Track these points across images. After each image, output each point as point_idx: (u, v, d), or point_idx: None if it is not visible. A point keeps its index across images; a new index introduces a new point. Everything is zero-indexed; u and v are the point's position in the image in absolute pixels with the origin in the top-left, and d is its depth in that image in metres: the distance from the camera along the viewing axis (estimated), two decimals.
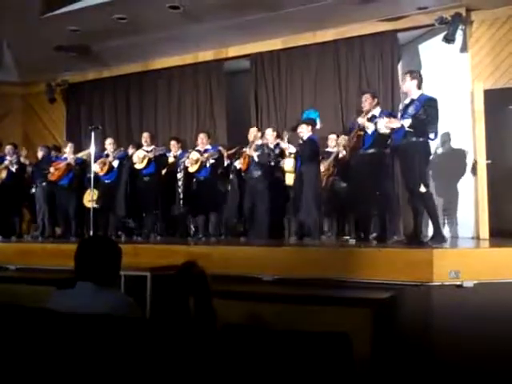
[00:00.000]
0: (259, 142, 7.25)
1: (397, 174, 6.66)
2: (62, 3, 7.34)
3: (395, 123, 5.28)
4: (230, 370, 1.85)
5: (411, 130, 5.13)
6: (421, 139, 5.18)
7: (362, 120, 5.99)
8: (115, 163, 7.80)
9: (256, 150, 7.10)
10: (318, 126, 7.02)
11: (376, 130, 5.76)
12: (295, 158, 6.77)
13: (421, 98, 5.27)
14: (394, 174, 6.68)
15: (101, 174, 7.73)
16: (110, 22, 7.65)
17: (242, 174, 7.43)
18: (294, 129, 6.96)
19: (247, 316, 3.74)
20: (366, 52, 7.91)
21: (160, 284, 4.16)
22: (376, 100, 6.07)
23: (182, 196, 7.64)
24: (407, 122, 5.15)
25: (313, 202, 6.42)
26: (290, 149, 6.78)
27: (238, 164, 7.44)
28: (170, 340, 1.97)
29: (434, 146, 6.63)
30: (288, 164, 6.84)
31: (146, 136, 7.79)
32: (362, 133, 5.99)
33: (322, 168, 6.88)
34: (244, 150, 7.39)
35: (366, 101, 6.03)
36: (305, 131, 6.60)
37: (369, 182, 5.89)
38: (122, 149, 8.17)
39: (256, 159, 7.07)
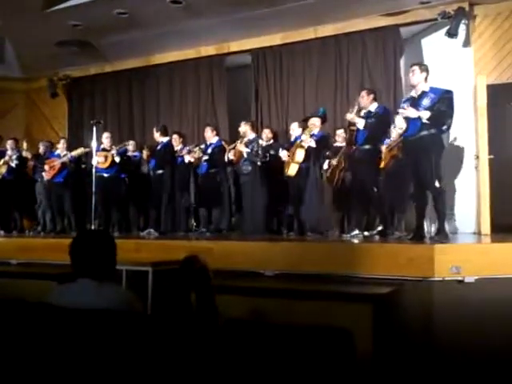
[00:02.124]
0: (251, 136, 7.23)
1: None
2: None
3: (412, 113, 5.04)
4: (232, 364, 1.85)
5: (428, 122, 4.95)
6: (435, 131, 5.00)
7: (350, 116, 6.00)
8: (117, 159, 7.81)
9: (247, 146, 7.09)
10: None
11: (367, 126, 5.80)
12: (306, 151, 6.56)
13: (435, 91, 5.11)
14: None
15: (102, 167, 7.74)
16: (111, 17, 7.64)
17: (235, 167, 7.47)
18: (305, 120, 6.93)
19: (249, 311, 3.74)
20: (368, 47, 7.88)
21: (161, 279, 4.17)
22: (372, 96, 6.05)
23: (191, 190, 7.73)
24: (426, 114, 4.94)
25: (316, 199, 6.44)
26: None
27: (231, 156, 7.41)
28: (171, 335, 1.97)
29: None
30: (299, 156, 6.53)
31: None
32: (354, 128, 6.00)
33: (335, 162, 6.88)
34: (236, 143, 7.36)
35: (363, 97, 6.04)
36: (317, 125, 6.62)
37: (365, 178, 5.90)
38: (125, 143, 8.17)
39: (245, 156, 7.07)
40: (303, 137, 6.57)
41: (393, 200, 6.40)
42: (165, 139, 7.72)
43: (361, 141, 5.94)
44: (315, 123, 6.68)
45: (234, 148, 7.40)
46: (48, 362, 2.11)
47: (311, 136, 6.57)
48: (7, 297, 2.53)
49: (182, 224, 8.05)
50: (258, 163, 7.03)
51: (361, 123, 5.88)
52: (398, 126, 6.25)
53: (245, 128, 7.28)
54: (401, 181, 6.21)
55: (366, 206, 6.18)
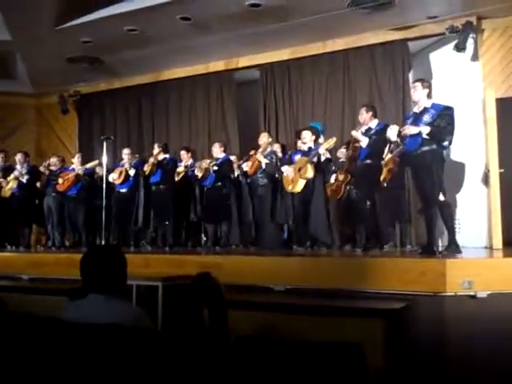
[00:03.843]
0: (270, 148, 7.22)
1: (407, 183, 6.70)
2: (74, 15, 7.43)
3: (413, 129, 5.11)
4: (243, 382, 1.84)
5: (428, 137, 5.01)
6: (435, 147, 5.06)
7: (355, 133, 6.04)
8: (131, 172, 7.85)
9: (265, 157, 7.08)
10: (321, 140, 7.00)
11: (370, 144, 5.87)
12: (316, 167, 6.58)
13: (436, 107, 5.16)
14: (404, 183, 6.68)
15: (117, 182, 7.78)
16: (121, 34, 7.73)
17: (248, 179, 7.42)
18: (298, 133, 6.96)
19: (259, 326, 3.72)
20: (377, 61, 7.91)
21: (171, 294, 4.16)
22: (371, 113, 6.13)
23: (196, 205, 7.71)
24: (426, 129, 5.00)
25: (322, 214, 6.45)
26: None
27: (246, 167, 7.35)
28: (182, 351, 1.96)
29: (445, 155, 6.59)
30: (311, 172, 6.52)
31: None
32: (358, 145, 6.04)
33: (341, 177, 6.87)
34: (253, 153, 7.33)
35: (362, 114, 6.13)
36: (308, 139, 6.63)
37: (362, 191, 5.97)
38: (137, 156, 8.21)
39: (264, 166, 7.05)
40: (321, 150, 6.50)
41: (394, 212, 6.43)
42: (167, 156, 7.81)
43: (362, 156, 6.02)
44: (306, 136, 6.68)
45: (248, 159, 7.37)
46: (58, 377, 2.10)
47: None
48: (18, 312, 2.54)
49: (191, 238, 8.07)
50: (276, 175, 7.01)
51: (364, 141, 5.94)
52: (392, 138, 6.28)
53: (268, 140, 7.29)
54: (399, 193, 6.33)
55: (368, 220, 6.19)
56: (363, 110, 6.19)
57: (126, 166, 7.83)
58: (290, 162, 6.78)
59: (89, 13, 7.36)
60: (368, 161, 5.99)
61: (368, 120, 6.12)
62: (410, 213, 6.94)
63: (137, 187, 8.01)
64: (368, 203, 5.96)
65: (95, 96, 10.28)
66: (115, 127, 10.03)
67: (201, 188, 7.77)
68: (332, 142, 6.52)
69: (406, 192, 6.80)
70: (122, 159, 8.09)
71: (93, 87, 10.15)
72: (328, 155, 6.57)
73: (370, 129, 6.06)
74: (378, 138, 5.96)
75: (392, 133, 5.50)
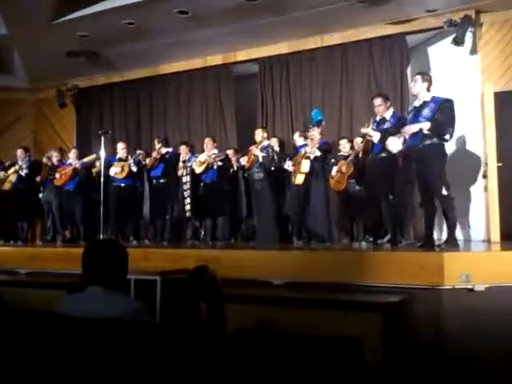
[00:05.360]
0: (266, 142, 7.24)
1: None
2: (71, 9, 7.40)
3: (413, 128, 5.12)
4: (241, 375, 1.84)
5: (430, 133, 5.01)
6: (437, 141, 5.05)
7: (365, 130, 5.98)
8: (134, 168, 7.87)
9: (262, 151, 7.09)
10: (319, 130, 7.02)
11: (380, 139, 5.75)
12: (311, 161, 6.64)
13: (436, 100, 5.16)
14: (409, 178, 6.65)
15: (119, 177, 7.77)
16: (119, 28, 7.70)
17: (246, 173, 7.44)
18: (305, 131, 6.97)
19: (257, 320, 3.73)
20: (375, 55, 7.88)
21: (170, 288, 4.17)
22: (389, 102, 6.02)
23: (188, 200, 7.65)
24: (426, 126, 5.01)
25: (321, 208, 6.45)
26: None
27: (243, 161, 7.39)
28: (181, 345, 1.97)
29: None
30: (305, 166, 6.58)
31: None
32: (370, 138, 5.99)
33: (344, 169, 6.86)
34: (251, 148, 7.35)
35: (381, 105, 5.96)
36: (317, 135, 6.63)
37: (380, 186, 5.86)
38: (141, 152, 8.20)
39: (261, 160, 7.06)
40: (308, 149, 6.56)
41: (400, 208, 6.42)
42: (169, 149, 7.80)
43: (377, 149, 5.90)
44: (315, 134, 6.69)
45: (246, 153, 7.38)
46: (56, 372, 2.11)
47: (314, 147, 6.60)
48: (16, 306, 2.54)
49: (188, 233, 8.07)
50: (272, 168, 7.02)
51: (376, 137, 5.84)
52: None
53: (263, 135, 7.30)
54: (403, 189, 6.25)
55: (380, 214, 6.16)
56: (381, 101, 5.97)
57: (130, 161, 7.82)
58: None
59: (86, 6, 7.32)
60: (383, 154, 5.84)
61: (384, 110, 5.96)
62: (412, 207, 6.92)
63: (140, 181, 8.01)
64: (391, 197, 5.88)
65: (93, 90, 10.24)
66: (113, 121, 10.00)
67: (195, 184, 7.70)
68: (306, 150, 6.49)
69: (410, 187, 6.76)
70: (116, 153, 8.05)
71: (90, 81, 10.11)
72: (317, 153, 6.56)
73: (384, 119, 5.94)
74: (394, 131, 5.72)
75: (393, 145, 5.40)
